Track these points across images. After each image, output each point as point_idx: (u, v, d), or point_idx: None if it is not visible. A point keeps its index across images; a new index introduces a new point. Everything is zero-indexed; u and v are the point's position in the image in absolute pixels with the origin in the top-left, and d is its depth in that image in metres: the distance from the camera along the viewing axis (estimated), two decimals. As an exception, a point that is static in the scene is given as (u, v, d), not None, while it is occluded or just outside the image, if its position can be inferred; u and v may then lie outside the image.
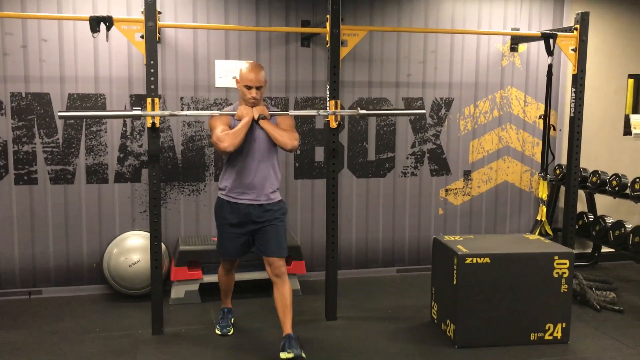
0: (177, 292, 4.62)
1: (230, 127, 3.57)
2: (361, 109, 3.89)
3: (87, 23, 3.82)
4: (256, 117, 3.55)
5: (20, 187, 4.62)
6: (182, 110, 4.79)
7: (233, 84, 4.92)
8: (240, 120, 3.54)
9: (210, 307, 4.53)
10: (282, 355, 3.45)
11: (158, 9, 3.87)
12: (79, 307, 4.54)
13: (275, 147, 3.66)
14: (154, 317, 4.01)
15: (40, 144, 4.63)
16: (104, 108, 4.69)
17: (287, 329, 3.57)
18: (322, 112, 3.95)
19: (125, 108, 4.72)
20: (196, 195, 4.97)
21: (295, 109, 5.01)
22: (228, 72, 4.91)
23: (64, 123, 4.64)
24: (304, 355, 3.50)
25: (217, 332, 4.00)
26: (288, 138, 3.60)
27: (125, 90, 4.73)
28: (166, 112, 3.87)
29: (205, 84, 4.89)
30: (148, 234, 4.72)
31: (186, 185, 4.95)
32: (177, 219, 4.94)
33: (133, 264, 4.58)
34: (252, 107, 3.58)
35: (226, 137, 3.46)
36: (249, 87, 3.54)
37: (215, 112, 3.67)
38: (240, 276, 4.61)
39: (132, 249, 4.65)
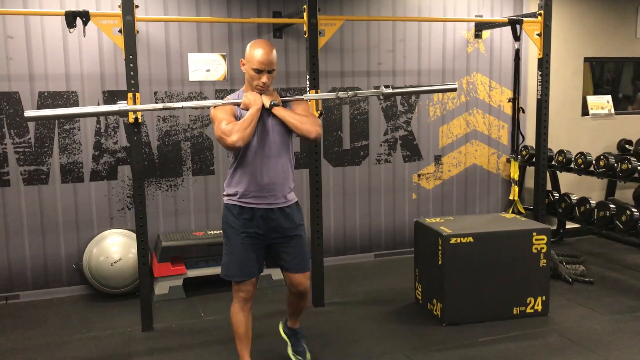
0: (161, 288, 4.58)
1: (237, 119, 2.99)
2: (385, 87, 3.33)
3: (55, 19, 3.75)
4: (267, 105, 2.98)
5: (-8, 190, 4.49)
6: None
7: (207, 77, 4.90)
8: (247, 109, 2.95)
9: (196, 302, 4.53)
10: (291, 356, 3.45)
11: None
12: (61, 309, 4.45)
13: (290, 139, 3.12)
14: (143, 313, 3.98)
15: (11, 144, 4.50)
16: (76, 105, 4.58)
17: (294, 323, 3.48)
18: (341, 93, 3.35)
19: (98, 104, 4.64)
20: (174, 191, 4.94)
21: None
22: (201, 66, 4.88)
23: (35, 122, 4.52)
24: (309, 358, 3.44)
25: None
26: (311, 124, 3.01)
27: (97, 86, 4.64)
28: (158, 105, 3.33)
29: (179, 78, 4.84)
30: (127, 232, 4.71)
31: (163, 181, 4.90)
32: (155, 215, 4.88)
33: (114, 262, 4.52)
34: (260, 93, 3.02)
35: (233, 130, 2.86)
36: (259, 71, 2.96)
37: (218, 102, 3.08)
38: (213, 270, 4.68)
39: (112, 247, 4.58)
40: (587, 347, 3.62)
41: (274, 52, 3.02)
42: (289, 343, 3.50)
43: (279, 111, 3.00)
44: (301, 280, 3.17)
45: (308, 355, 3.42)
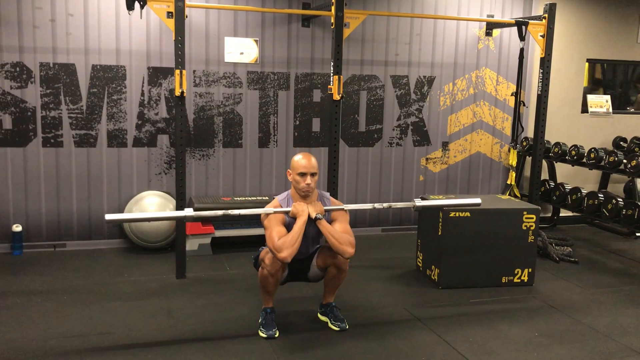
0: (192, 245, 5.16)
1: (285, 222, 3.46)
2: (417, 201, 3.87)
3: (113, 1, 4.32)
4: (313, 216, 3.42)
5: (47, 149, 5.07)
6: (195, 82, 5.31)
7: (240, 60, 5.44)
8: (294, 217, 3.43)
9: (222, 258, 5.11)
10: (331, 326, 3.71)
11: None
12: (103, 257, 5.05)
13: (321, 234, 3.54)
14: (178, 263, 4.56)
15: (66, 110, 5.07)
16: (124, 78, 5.15)
17: (330, 298, 3.81)
18: (377, 205, 3.71)
19: (143, 79, 5.20)
20: (206, 160, 5.50)
21: (295, 84, 5.60)
22: (236, 48, 5.42)
23: (87, 91, 5.09)
24: (347, 327, 3.71)
25: (262, 335, 3.58)
26: (346, 244, 3.44)
27: (143, 62, 5.20)
28: (219, 212, 3.55)
29: (216, 58, 5.39)
30: (163, 194, 5.29)
31: (197, 151, 5.47)
32: (188, 180, 5.43)
33: (152, 219, 5.09)
34: (305, 196, 3.50)
35: (283, 246, 3.30)
36: (303, 174, 3.46)
37: (270, 210, 3.46)
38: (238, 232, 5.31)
39: (149, 206, 5.16)
40: (564, 311, 4.16)
41: (314, 159, 3.53)
42: (328, 320, 3.78)
43: (322, 225, 3.45)
44: (343, 260, 3.57)
45: (346, 325, 3.72)
